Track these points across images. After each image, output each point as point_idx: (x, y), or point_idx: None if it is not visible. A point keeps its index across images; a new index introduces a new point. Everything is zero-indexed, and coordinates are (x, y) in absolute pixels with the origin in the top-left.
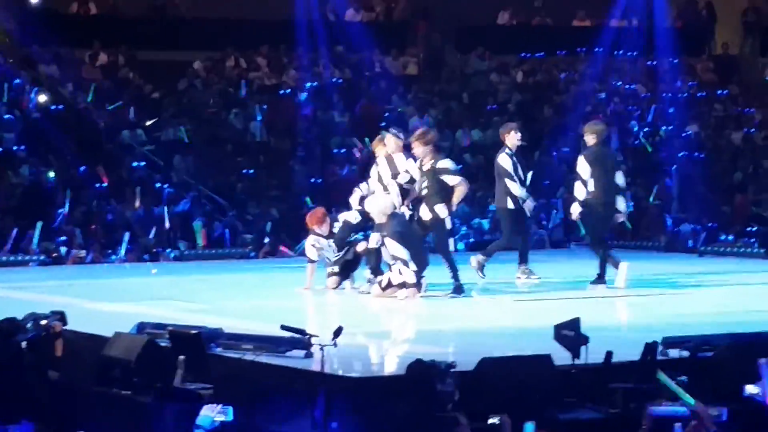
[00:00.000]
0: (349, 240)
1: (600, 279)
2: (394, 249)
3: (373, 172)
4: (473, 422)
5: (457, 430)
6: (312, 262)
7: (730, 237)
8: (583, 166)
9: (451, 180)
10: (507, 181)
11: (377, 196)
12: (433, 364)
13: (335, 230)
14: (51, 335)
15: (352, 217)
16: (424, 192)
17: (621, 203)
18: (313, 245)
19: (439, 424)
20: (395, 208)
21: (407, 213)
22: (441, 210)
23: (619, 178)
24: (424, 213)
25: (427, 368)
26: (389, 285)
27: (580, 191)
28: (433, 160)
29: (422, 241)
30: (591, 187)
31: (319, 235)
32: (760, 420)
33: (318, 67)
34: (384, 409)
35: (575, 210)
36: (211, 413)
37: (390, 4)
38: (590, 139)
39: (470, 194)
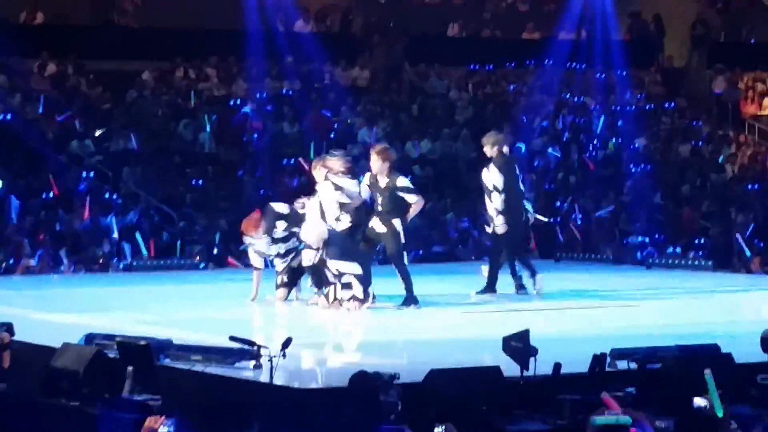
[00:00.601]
0: (294, 248)
1: (521, 286)
2: (343, 267)
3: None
4: None
5: None
6: (258, 269)
7: (678, 249)
8: (495, 176)
9: (410, 198)
10: (486, 197)
11: (311, 224)
12: (376, 376)
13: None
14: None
15: (282, 207)
16: (380, 208)
17: (528, 206)
18: (256, 252)
19: None
20: (329, 234)
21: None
22: (398, 224)
23: (521, 185)
24: (378, 226)
25: (370, 379)
26: (335, 298)
27: (498, 201)
28: (389, 179)
29: (367, 255)
30: (503, 197)
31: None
32: None
33: (267, 78)
34: (330, 420)
35: (500, 222)
36: (155, 425)
37: (344, 16)
38: (492, 151)
39: None
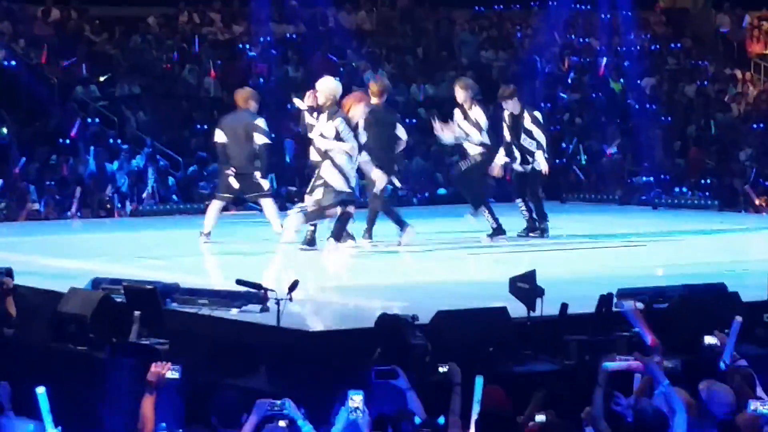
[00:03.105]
0: None
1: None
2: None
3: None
4: (427, 375)
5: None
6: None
7: (684, 189)
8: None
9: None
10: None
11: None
12: (399, 318)
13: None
14: (3, 291)
15: None
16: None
17: None
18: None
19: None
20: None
21: None
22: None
23: None
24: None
25: (396, 321)
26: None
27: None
28: None
29: None
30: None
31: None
32: (714, 370)
33: (271, 22)
34: (352, 363)
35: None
36: (162, 370)
37: None
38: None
39: (425, 148)
